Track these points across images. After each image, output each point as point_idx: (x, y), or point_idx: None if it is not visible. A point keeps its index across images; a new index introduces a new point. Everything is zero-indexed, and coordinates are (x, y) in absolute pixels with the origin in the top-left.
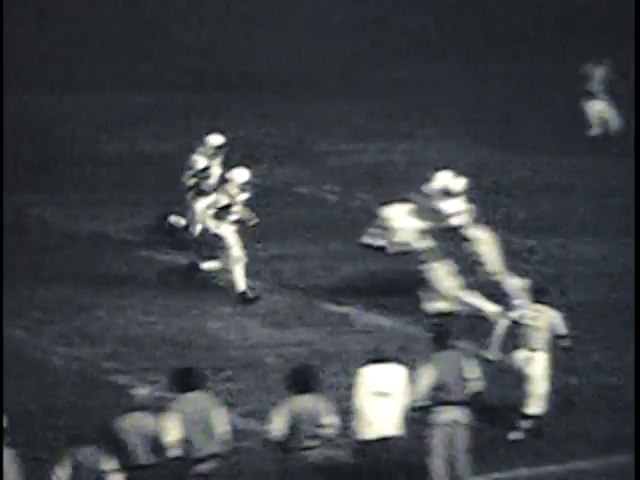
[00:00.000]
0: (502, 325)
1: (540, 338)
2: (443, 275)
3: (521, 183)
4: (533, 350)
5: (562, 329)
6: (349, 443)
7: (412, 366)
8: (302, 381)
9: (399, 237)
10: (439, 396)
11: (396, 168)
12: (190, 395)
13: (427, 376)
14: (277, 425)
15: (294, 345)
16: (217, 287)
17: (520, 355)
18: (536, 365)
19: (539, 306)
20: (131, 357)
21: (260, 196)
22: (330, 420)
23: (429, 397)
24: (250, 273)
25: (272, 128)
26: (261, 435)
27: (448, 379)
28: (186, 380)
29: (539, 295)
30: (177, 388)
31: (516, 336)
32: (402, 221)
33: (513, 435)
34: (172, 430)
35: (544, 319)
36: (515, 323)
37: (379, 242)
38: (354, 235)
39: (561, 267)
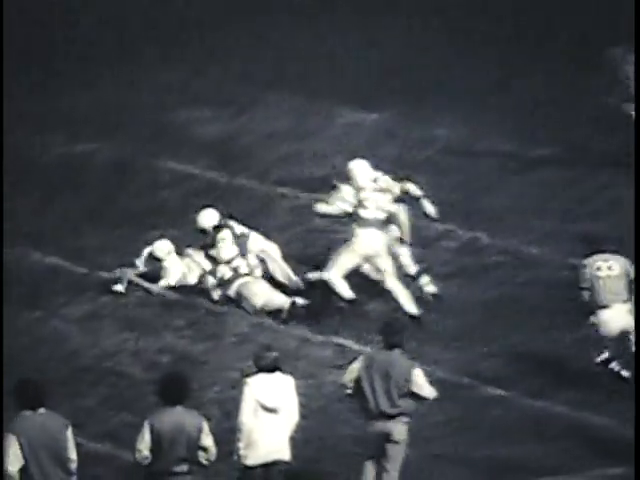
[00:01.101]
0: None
1: (625, 286)
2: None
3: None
4: (626, 301)
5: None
6: (228, 469)
7: (302, 375)
8: (171, 391)
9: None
10: (365, 405)
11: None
12: (32, 414)
13: (350, 371)
14: (141, 445)
15: (157, 352)
16: (65, 282)
17: (617, 309)
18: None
19: (607, 255)
20: None
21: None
22: (208, 442)
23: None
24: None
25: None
26: (117, 460)
27: (377, 385)
28: (27, 396)
29: (599, 244)
30: (16, 406)
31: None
32: None
33: None
34: (12, 458)
35: (620, 266)
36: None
37: None
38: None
39: None
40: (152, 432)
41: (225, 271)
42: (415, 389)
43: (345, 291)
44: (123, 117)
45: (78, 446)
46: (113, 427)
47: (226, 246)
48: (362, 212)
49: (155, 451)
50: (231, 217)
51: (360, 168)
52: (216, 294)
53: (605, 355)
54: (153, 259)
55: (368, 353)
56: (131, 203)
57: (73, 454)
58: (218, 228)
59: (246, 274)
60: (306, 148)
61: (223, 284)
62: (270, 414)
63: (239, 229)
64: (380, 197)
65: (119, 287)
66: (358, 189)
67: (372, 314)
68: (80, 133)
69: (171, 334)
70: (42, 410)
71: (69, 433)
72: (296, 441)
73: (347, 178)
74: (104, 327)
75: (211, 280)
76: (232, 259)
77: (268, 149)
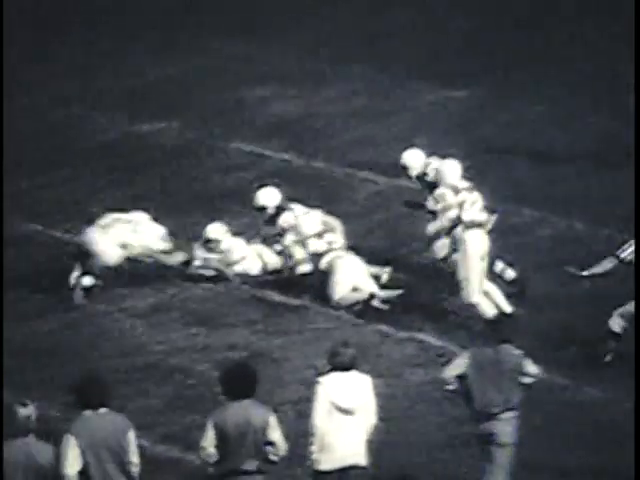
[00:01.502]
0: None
1: None
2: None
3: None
4: None
5: None
6: (302, 474)
7: (381, 374)
8: (236, 384)
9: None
10: (472, 405)
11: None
12: (92, 415)
13: (455, 366)
14: (205, 442)
15: (229, 348)
16: (129, 273)
17: None
18: None
19: None
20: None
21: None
22: (275, 436)
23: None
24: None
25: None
26: (184, 465)
27: (488, 383)
28: (87, 395)
29: None
30: (75, 405)
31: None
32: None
33: None
34: (71, 460)
35: None
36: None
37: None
38: None
39: None
40: (216, 428)
41: (318, 244)
42: (527, 380)
43: (490, 310)
44: (191, 95)
45: (142, 449)
46: (180, 429)
47: (308, 221)
48: (464, 215)
49: (221, 448)
50: (291, 200)
51: (450, 167)
52: (304, 267)
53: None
54: (208, 244)
55: (474, 349)
56: (199, 187)
57: (135, 457)
58: (279, 210)
59: (339, 249)
60: (387, 128)
61: (314, 258)
62: (345, 416)
63: (300, 210)
64: (477, 196)
65: (207, 272)
66: (455, 190)
67: (452, 309)
68: (145, 111)
69: (244, 329)
70: (103, 410)
71: (131, 435)
72: (374, 445)
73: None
74: (171, 321)
75: (299, 252)
76: (321, 233)
77: (345, 129)
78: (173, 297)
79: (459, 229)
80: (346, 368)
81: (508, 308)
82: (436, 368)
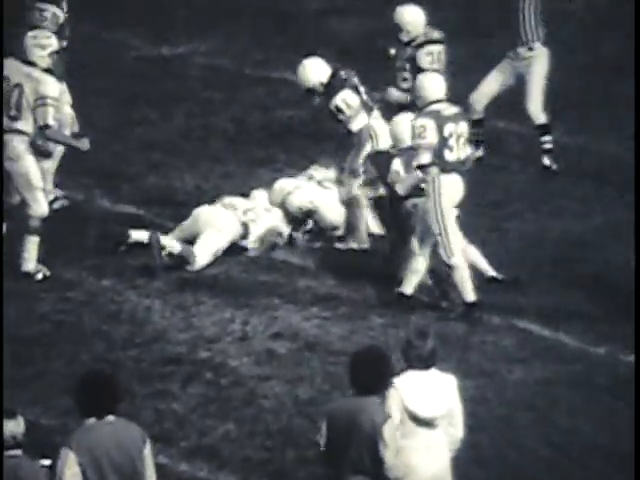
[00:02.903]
0: None
1: None
2: None
3: None
4: None
5: None
6: None
7: (471, 372)
8: (361, 373)
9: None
10: None
11: None
12: (97, 424)
13: None
14: (322, 439)
15: (270, 338)
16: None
17: None
18: None
19: None
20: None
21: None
22: (385, 450)
23: None
24: None
25: None
26: None
27: None
28: (91, 398)
29: None
30: (75, 411)
31: None
32: None
33: None
34: None
35: None
36: None
37: None
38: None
39: None
40: (327, 421)
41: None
42: None
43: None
44: (225, 7)
45: (163, 468)
46: (211, 442)
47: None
48: (447, 153)
49: (327, 450)
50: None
51: (431, 82)
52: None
53: None
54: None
55: None
56: (236, 128)
57: (151, 476)
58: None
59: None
60: (481, 52)
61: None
62: (424, 428)
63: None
64: (465, 129)
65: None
66: (437, 120)
67: (554, 291)
68: (165, 30)
69: (292, 313)
70: (111, 418)
71: (147, 450)
72: (460, 463)
73: None
74: (198, 303)
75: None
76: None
77: None
78: (201, 271)
79: (434, 169)
80: (425, 365)
81: (492, 272)
82: (542, 365)
